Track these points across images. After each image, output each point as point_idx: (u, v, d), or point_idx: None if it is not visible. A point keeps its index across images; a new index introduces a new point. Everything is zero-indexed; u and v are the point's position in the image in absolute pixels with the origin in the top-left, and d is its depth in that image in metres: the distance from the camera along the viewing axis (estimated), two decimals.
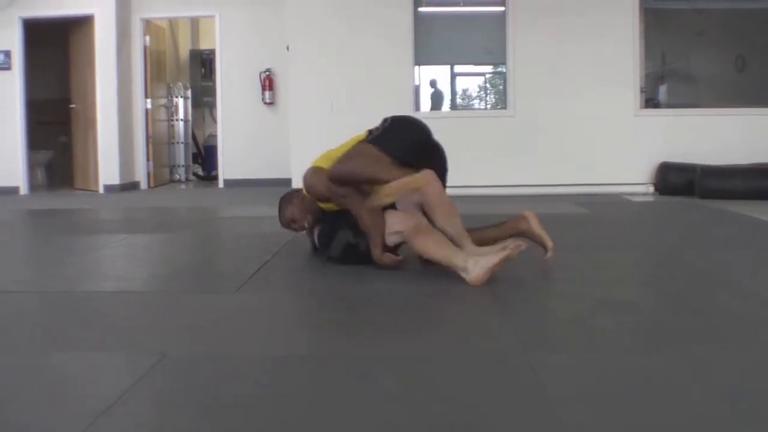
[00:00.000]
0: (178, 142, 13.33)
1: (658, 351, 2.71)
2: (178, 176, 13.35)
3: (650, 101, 10.08)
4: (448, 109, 10.96)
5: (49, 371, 2.60)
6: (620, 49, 9.64)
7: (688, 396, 2.24)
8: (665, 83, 10.30)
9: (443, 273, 4.21)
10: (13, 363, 2.67)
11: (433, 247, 3.93)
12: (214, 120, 12.67)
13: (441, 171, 4.34)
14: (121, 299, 3.75)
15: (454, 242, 3.96)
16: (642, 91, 9.79)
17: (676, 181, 9.22)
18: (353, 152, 4.32)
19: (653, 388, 2.29)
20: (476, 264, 3.73)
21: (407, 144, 4.33)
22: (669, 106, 10.08)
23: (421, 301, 3.61)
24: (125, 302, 3.69)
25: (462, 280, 3.80)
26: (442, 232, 4.00)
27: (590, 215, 7.26)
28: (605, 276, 4.18)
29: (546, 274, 4.23)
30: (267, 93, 11.48)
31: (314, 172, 4.42)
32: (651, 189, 9.54)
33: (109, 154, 11.16)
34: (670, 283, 4.01)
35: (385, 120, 4.49)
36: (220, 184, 11.82)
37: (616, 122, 9.64)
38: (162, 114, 12.60)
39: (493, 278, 3.83)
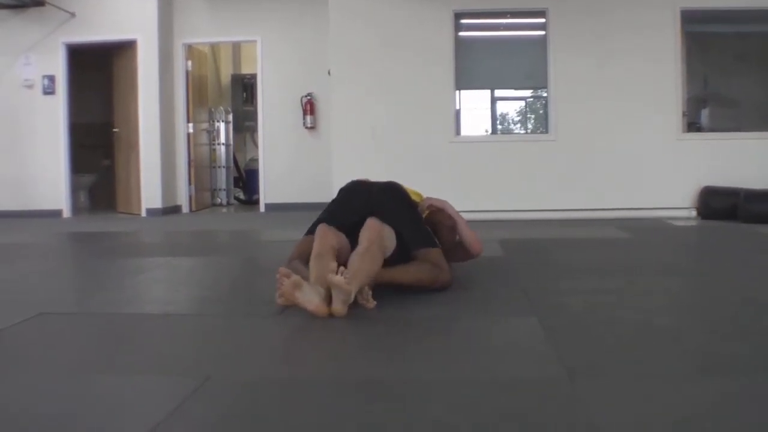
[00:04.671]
0: (219, 166, 13.43)
1: (707, 379, 2.66)
2: (219, 200, 13.44)
3: (692, 125, 10.00)
4: (489, 133, 10.92)
5: (93, 393, 2.61)
6: (662, 73, 9.59)
7: (740, 427, 2.19)
8: (707, 107, 10.22)
9: (482, 298, 4.20)
10: (58, 385, 2.68)
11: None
12: (256, 144, 12.75)
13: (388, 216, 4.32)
14: (165, 322, 3.76)
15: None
16: (684, 115, 9.72)
17: (719, 205, 9.13)
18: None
19: (702, 418, 2.25)
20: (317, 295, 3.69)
21: (343, 223, 4.31)
22: (711, 129, 9.99)
23: (463, 325, 3.58)
24: (168, 325, 3.70)
25: (500, 307, 3.77)
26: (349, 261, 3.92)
27: (633, 239, 7.20)
28: (650, 301, 4.13)
29: (589, 299, 4.19)
30: (308, 117, 11.54)
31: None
32: (694, 213, 9.45)
33: (152, 177, 11.27)
34: (717, 310, 3.95)
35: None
36: (262, 208, 11.87)
37: (659, 146, 9.57)
38: (204, 138, 12.70)
39: (532, 305, 3.81)
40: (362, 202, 4.42)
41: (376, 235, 4.04)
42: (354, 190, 4.63)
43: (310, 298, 3.65)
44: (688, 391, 2.51)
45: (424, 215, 4.66)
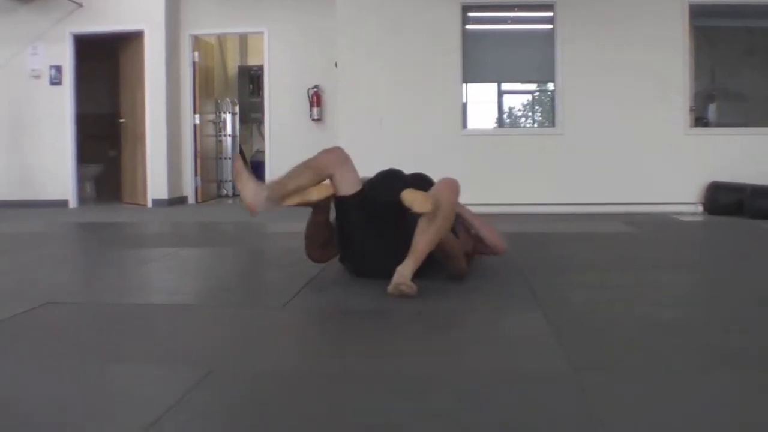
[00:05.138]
0: (225, 158, 13.42)
1: (712, 373, 2.65)
2: (225, 191, 13.43)
3: (700, 120, 9.98)
4: (496, 127, 10.90)
5: (98, 383, 2.61)
6: (670, 68, 9.56)
7: (743, 421, 2.19)
8: (715, 102, 10.20)
9: (488, 292, 4.20)
10: (63, 374, 2.68)
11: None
12: (262, 136, 12.74)
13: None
14: (169, 312, 3.77)
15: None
16: (691, 110, 9.69)
17: (726, 200, 9.10)
18: None
19: (707, 412, 2.24)
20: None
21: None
22: (719, 125, 9.97)
23: (468, 319, 3.58)
24: (173, 315, 3.70)
25: (505, 301, 3.78)
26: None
27: (639, 234, 7.19)
28: (655, 296, 4.12)
29: (595, 294, 4.18)
30: (315, 109, 11.51)
31: None
32: (700, 209, 9.43)
33: (158, 168, 11.27)
34: (722, 305, 3.94)
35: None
36: None
37: (666, 141, 9.56)
38: (210, 129, 12.69)
39: (537, 299, 3.82)
40: (396, 183, 4.37)
41: (451, 203, 4.09)
42: (390, 173, 4.65)
43: (248, 188, 4.05)
44: (693, 386, 2.50)
45: None
